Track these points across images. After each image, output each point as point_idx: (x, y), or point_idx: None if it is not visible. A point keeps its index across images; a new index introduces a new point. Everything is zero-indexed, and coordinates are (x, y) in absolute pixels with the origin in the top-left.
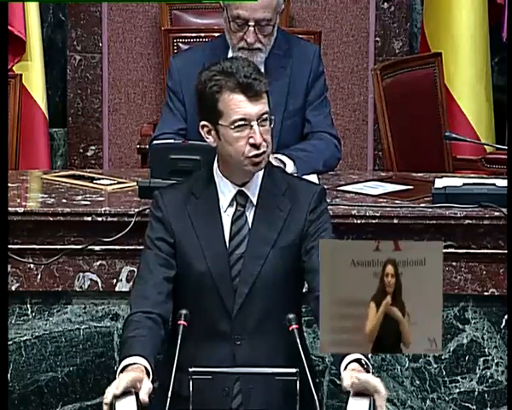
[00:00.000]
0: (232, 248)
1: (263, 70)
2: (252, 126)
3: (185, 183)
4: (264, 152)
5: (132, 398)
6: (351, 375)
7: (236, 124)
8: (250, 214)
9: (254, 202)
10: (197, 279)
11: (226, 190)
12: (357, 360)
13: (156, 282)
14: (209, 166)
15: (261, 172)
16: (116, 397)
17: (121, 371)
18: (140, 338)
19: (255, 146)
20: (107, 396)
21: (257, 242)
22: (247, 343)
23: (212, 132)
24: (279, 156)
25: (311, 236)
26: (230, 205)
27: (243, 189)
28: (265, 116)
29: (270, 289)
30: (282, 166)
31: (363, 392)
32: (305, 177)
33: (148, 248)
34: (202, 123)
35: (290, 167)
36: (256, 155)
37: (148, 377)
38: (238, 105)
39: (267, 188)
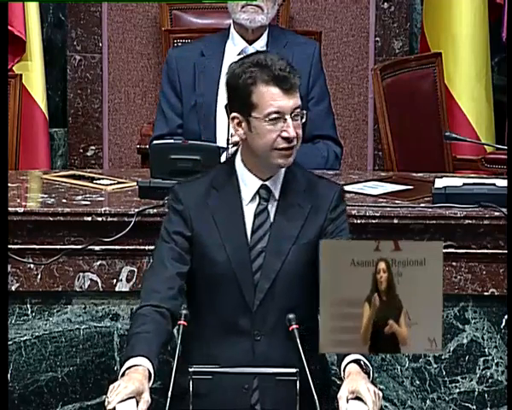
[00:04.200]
0: (254, 243)
1: None
2: (285, 120)
3: (205, 176)
4: (294, 146)
5: (132, 401)
6: (346, 394)
7: (271, 117)
8: (272, 209)
9: (276, 195)
10: (217, 273)
11: (249, 184)
12: (357, 361)
13: (168, 276)
14: (230, 158)
15: (283, 168)
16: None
17: (124, 372)
18: (145, 335)
19: (288, 139)
20: (110, 406)
21: (278, 237)
22: (266, 339)
23: (243, 124)
24: None
25: (329, 234)
26: (253, 199)
27: (267, 183)
28: (298, 111)
29: (290, 286)
30: None
31: None
32: None
33: (164, 241)
34: (233, 115)
35: None
36: (287, 149)
37: (150, 379)
38: (273, 98)
39: (289, 184)
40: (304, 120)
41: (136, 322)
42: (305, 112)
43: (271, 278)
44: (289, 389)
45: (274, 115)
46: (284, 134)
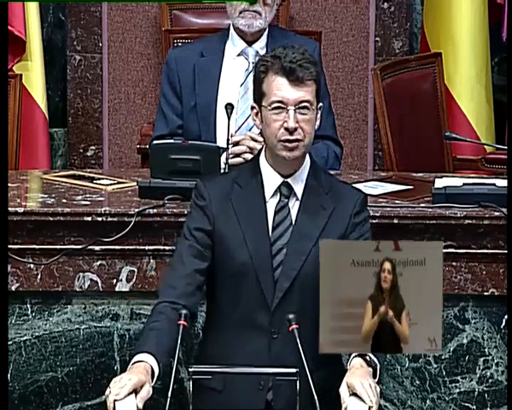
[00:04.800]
0: (274, 239)
1: None
2: (288, 111)
3: (229, 173)
4: (298, 140)
5: (132, 398)
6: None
7: (274, 105)
8: (293, 207)
9: (298, 194)
10: (238, 268)
11: (271, 180)
12: (362, 356)
13: (187, 273)
14: (255, 156)
15: (307, 168)
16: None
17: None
18: (156, 332)
19: (288, 131)
20: (110, 399)
21: (300, 237)
22: (282, 338)
23: (258, 114)
24: None
25: (354, 240)
26: (274, 195)
27: (288, 180)
28: (305, 104)
29: (309, 286)
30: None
31: None
32: None
33: (185, 238)
34: (252, 104)
35: None
36: (288, 141)
37: (153, 377)
38: (279, 87)
39: (312, 185)
40: (319, 116)
41: (152, 317)
42: (320, 104)
43: (291, 277)
44: (302, 389)
45: (276, 104)
46: (285, 125)
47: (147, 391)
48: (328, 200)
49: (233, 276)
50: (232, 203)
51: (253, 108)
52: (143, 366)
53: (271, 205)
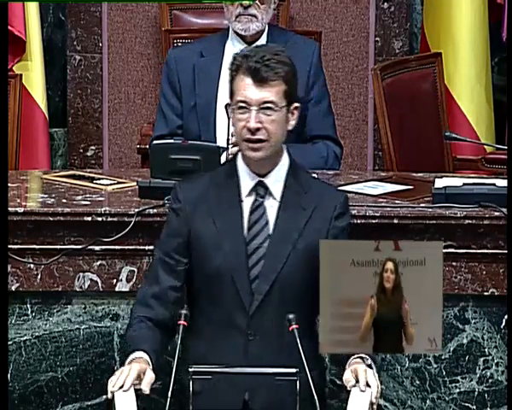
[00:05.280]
0: (250, 238)
1: None
2: (251, 111)
3: (207, 174)
4: (261, 140)
5: (131, 392)
6: (351, 373)
7: (238, 105)
8: (271, 207)
9: (276, 194)
10: (214, 269)
11: (247, 179)
12: (361, 357)
13: (162, 292)
14: (234, 157)
15: (285, 168)
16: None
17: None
18: (143, 336)
19: (250, 131)
20: (115, 388)
21: (279, 238)
22: (260, 340)
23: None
24: None
25: None
26: (250, 194)
27: (264, 179)
28: (269, 105)
29: (289, 288)
30: None
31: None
32: None
33: (160, 250)
34: (228, 102)
35: None
36: (250, 140)
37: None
38: (244, 87)
39: (291, 185)
40: (294, 116)
41: (133, 326)
42: (296, 105)
43: (271, 280)
44: (281, 389)
45: (240, 104)
46: (247, 124)
47: (150, 376)
48: (308, 200)
49: (210, 277)
50: (208, 204)
51: (228, 105)
52: (142, 359)
53: (247, 204)
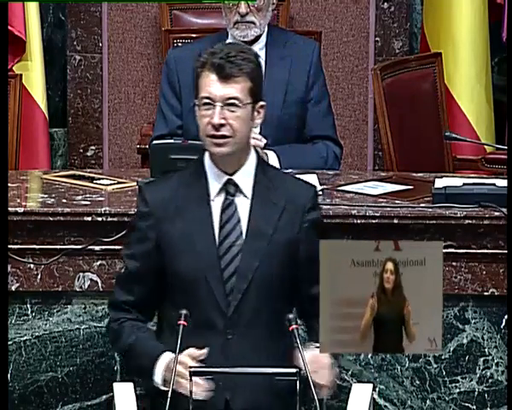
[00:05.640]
0: (222, 238)
1: (263, 59)
2: (215, 107)
3: (174, 175)
4: (225, 136)
5: (131, 394)
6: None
7: (202, 102)
8: (242, 204)
9: (246, 191)
10: (186, 271)
11: (216, 178)
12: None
13: (136, 302)
14: (199, 156)
15: (253, 164)
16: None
17: (165, 368)
18: (146, 339)
19: (214, 127)
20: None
21: (253, 236)
22: (238, 339)
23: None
24: (265, 151)
25: (307, 244)
26: (219, 194)
27: (233, 177)
28: (233, 101)
29: (265, 286)
30: (264, 157)
31: None
32: (304, 177)
33: (128, 256)
34: (194, 101)
35: (272, 159)
36: (214, 136)
37: None
38: (208, 84)
39: (261, 181)
40: (261, 115)
41: (131, 334)
42: (262, 103)
43: (249, 279)
44: (261, 389)
45: (204, 100)
46: (211, 120)
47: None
48: (279, 194)
49: (183, 279)
50: (177, 205)
51: (195, 104)
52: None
53: (217, 204)
